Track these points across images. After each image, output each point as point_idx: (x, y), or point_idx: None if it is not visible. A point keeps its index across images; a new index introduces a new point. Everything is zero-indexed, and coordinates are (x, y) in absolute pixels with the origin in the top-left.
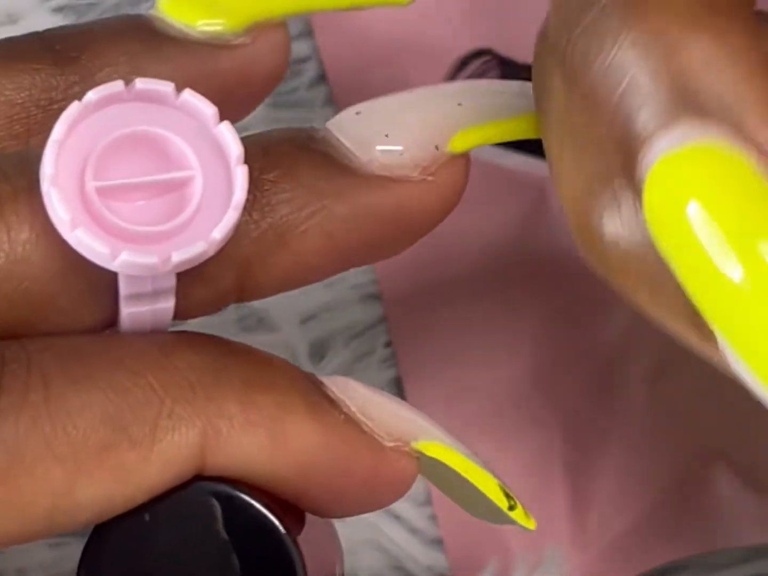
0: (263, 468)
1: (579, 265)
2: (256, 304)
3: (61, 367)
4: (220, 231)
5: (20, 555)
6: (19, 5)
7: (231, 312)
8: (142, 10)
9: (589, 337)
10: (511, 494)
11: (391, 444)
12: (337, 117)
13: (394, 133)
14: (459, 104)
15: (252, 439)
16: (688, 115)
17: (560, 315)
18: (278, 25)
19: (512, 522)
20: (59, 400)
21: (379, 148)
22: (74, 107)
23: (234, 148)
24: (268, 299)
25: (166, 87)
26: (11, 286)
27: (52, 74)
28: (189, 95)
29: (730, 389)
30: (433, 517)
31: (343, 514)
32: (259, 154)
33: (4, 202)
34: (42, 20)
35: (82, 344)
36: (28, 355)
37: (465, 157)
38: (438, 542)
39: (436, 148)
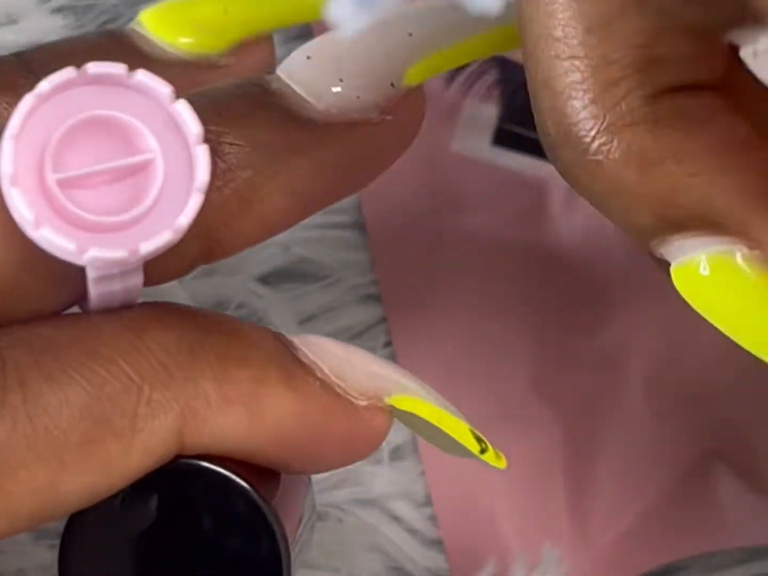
0: (241, 442)
1: (579, 266)
2: (255, 304)
3: (36, 364)
4: (186, 216)
5: (19, 556)
6: (18, 5)
7: (229, 313)
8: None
9: (589, 337)
10: (483, 438)
11: (365, 403)
12: (287, 62)
13: (347, 76)
14: (409, 34)
15: (230, 417)
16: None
17: (560, 315)
18: (263, 40)
19: (485, 462)
20: (38, 399)
21: (334, 90)
22: (27, 99)
23: (193, 126)
24: (267, 300)
25: (119, 69)
26: None
27: None
28: (143, 75)
29: (730, 389)
30: (432, 518)
31: (317, 472)
32: (214, 115)
33: None
34: (41, 21)
35: (54, 335)
36: (1, 353)
37: (420, 89)
38: (437, 543)
39: (392, 84)
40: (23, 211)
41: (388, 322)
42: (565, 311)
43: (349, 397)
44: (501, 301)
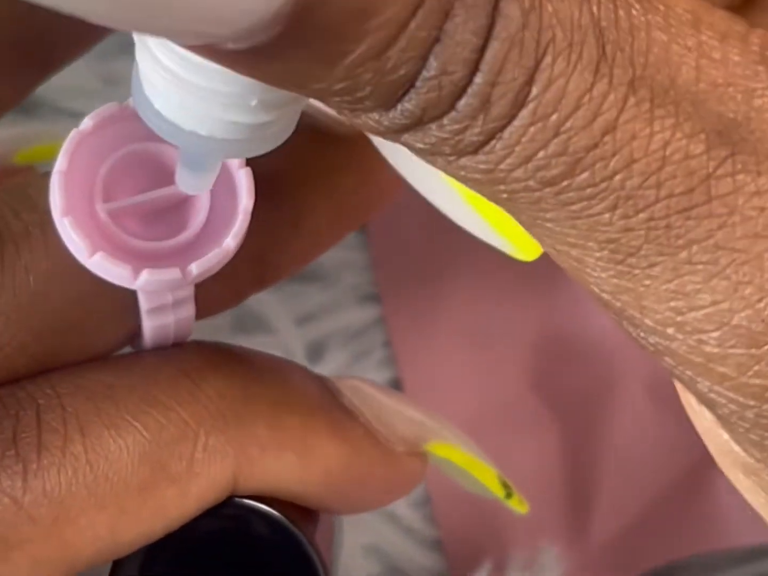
0: (290, 486)
1: None
2: (252, 305)
3: (95, 411)
4: (234, 237)
5: None
6: None
7: (227, 313)
8: None
9: (589, 338)
10: (508, 483)
11: (403, 449)
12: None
13: None
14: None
15: (281, 462)
16: None
17: (560, 315)
18: None
19: (508, 506)
20: (98, 446)
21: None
22: (73, 136)
23: None
24: (266, 300)
25: None
26: (36, 321)
27: None
28: None
29: None
30: (431, 518)
31: (355, 513)
32: None
33: (18, 240)
34: None
35: (112, 381)
36: (61, 400)
37: None
38: (436, 543)
39: None
40: (76, 240)
41: (388, 322)
42: (565, 311)
43: (390, 444)
44: (500, 300)
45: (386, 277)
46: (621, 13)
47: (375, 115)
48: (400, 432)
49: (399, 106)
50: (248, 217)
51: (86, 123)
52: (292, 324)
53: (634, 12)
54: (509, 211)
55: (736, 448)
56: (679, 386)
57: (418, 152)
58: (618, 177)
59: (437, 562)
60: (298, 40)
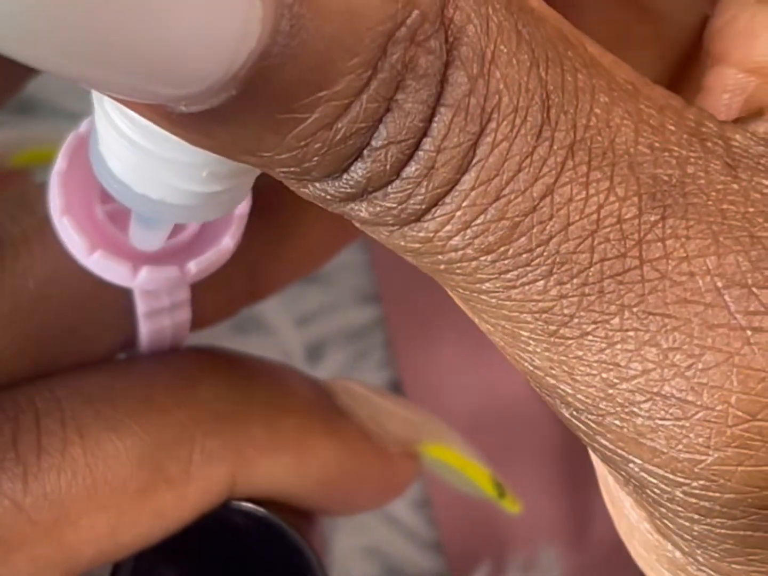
0: (287, 487)
1: None
2: (253, 304)
3: (94, 414)
4: (232, 237)
5: None
6: None
7: None
8: None
9: None
10: (501, 483)
11: (397, 449)
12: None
13: None
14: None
15: (278, 464)
16: None
17: None
18: None
19: (501, 506)
20: (96, 449)
21: None
22: (72, 138)
23: None
24: (266, 300)
25: None
26: (35, 324)
27: None
28: None
29: None
30: (431, 520)
31: (350, 514)
32: None
33: (17, 246)
34: None
35: (111, 383)
36: (60, 404)
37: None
38: (435, 544)
39: None
40: (76, 238)
41: (388, 322)
42: None
43: (384, 445)
44: None
45: (386, 277)
46: (568, 77)
47: (320, 185)
48: (393, 433)
49: (345, 176)
50: (245, 219)
51: (85, 125)
52: (291, 324)
53: (580, 76)
54: (446, 284)
55: (664, 543)
56: (604, 490)
57: (361, 223)
58: (553, 241)
59: (437, 563)
60: (251, 105)
